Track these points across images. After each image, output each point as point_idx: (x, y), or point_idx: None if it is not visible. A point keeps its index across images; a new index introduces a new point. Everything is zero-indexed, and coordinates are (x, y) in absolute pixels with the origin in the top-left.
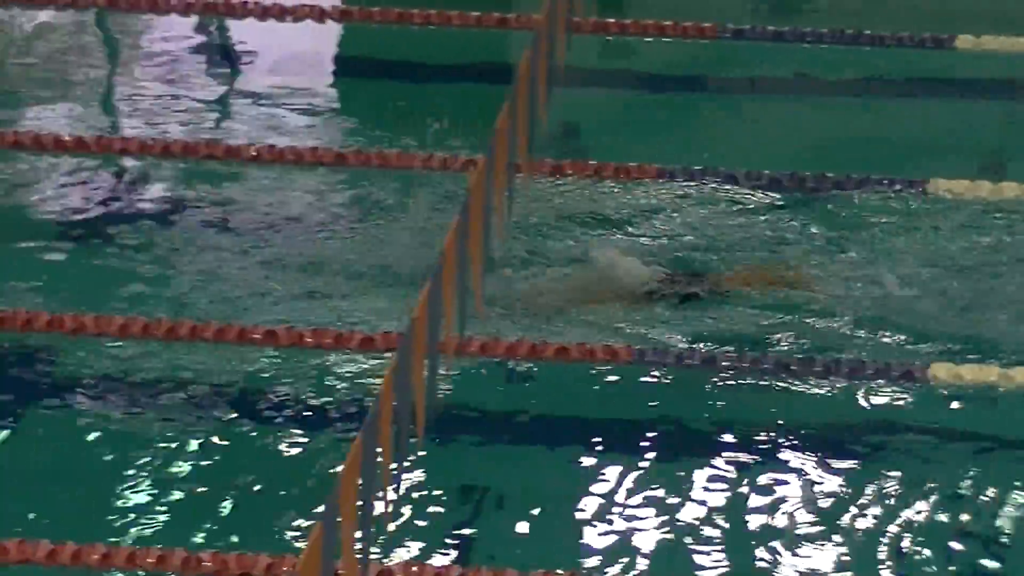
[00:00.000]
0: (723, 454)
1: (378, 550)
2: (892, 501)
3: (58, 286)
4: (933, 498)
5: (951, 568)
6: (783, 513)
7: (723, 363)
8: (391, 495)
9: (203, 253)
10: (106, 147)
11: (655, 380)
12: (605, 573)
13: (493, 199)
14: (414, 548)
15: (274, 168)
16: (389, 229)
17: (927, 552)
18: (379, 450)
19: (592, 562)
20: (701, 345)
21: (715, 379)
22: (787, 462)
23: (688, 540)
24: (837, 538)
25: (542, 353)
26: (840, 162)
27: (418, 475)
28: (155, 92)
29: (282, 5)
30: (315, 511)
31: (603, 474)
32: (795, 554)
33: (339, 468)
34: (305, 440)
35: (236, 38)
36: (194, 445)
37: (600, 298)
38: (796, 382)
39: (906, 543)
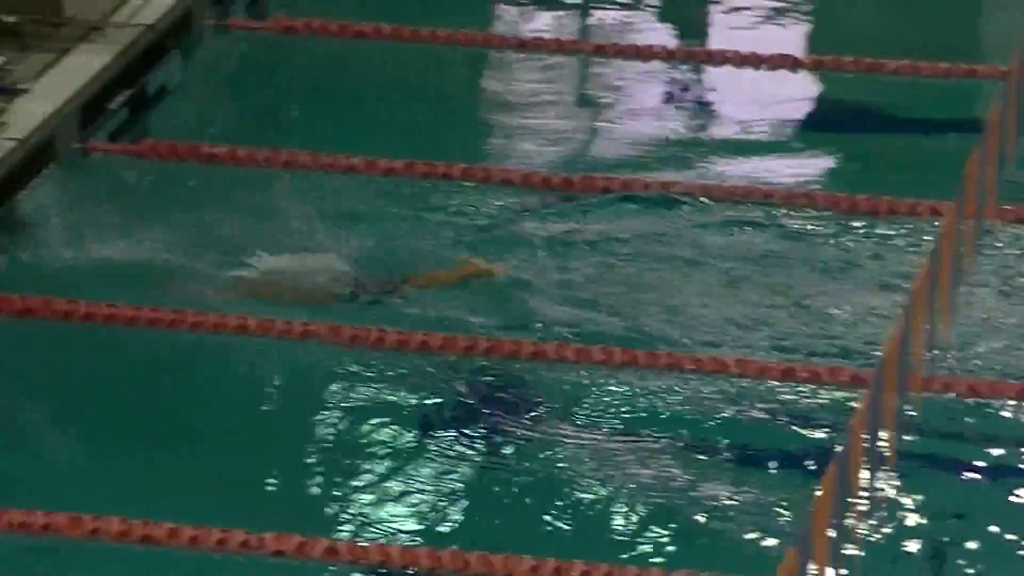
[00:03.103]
0: None
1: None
2: None
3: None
4: None
5: None
6: None
7: None
8: (862, 523)
9: (676, 287)
10: (589, 186)
11: None
12: None
13: (962, 244)
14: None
15: (747, 206)
16: (856, 270)
17: None
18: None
19: None
20: None
21: None
22: None
23: None
24: None
25: (1002, 391)
26: None
27: (888, 502)
28: (632, 134)
29: (758, 54)
30: (779, 543)
31: None
32: None
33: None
34: (774, 469)
35: (712, 85)
36: (659, 470)
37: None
38: None
39: None
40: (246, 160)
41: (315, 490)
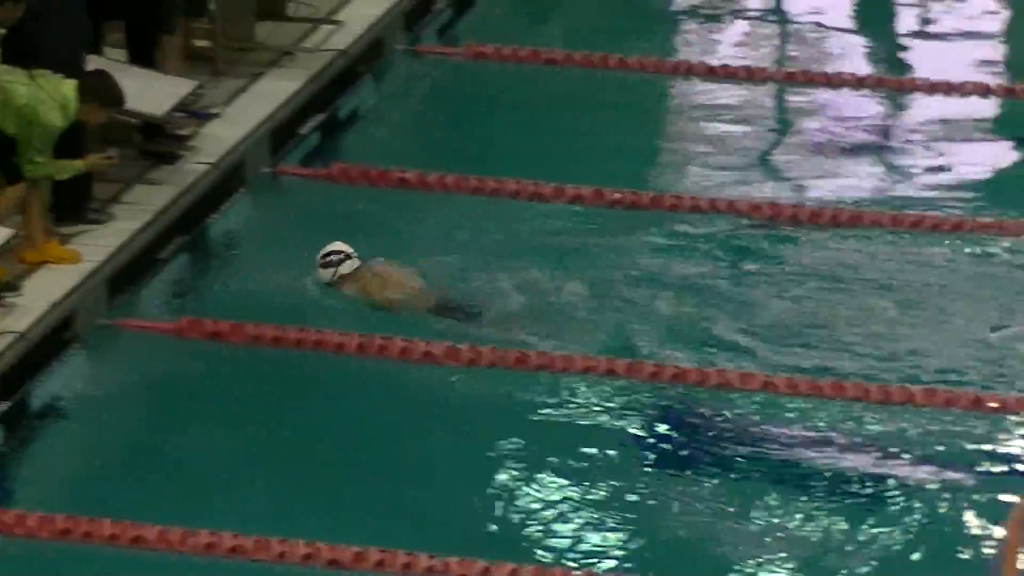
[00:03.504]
0: None
1: None
2: None
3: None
4: None
5: None
6: None
7: None
8: None
9: (865, 317)
10: (776, 214)
11: None
12: None
13: None
14: None
15: (940, 235)
16: None
17: None
18: None
19: None
20: None
21: None
22: None
23: None
24: None
25: None
26: None
27: None
28: (821, 162)
29: (949, 82)
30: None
31: None
32: None
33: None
34: (961, 498)
35: (901, 112)
36: (853, 500)
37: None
38: None
39: None
40: (435, 185)
41: (501, 515)
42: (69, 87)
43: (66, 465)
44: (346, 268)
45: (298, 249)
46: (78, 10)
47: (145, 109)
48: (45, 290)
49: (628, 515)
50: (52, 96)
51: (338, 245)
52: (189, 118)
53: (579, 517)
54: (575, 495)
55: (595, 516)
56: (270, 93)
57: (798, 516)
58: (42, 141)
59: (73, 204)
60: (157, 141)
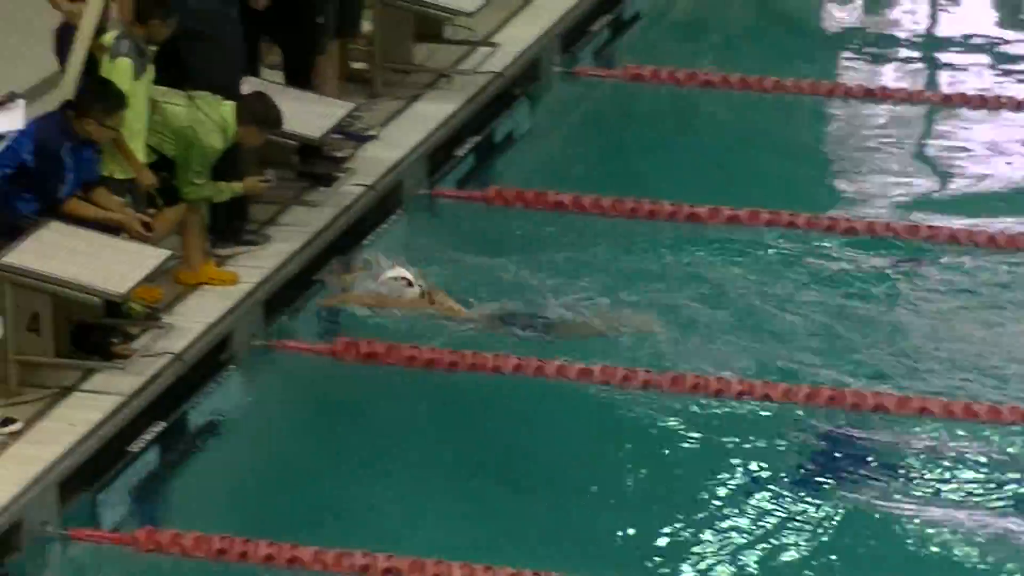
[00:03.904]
0: None
1: None
2: None
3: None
4: None
5: None
6: None
7: None
8: None
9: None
10: (933, 235)
11: None
12: None
13: None
14: None
15: None
16: None
17: None
18: None
19: None
20: None
21: None
22: None
23: None
24: None
25: None
26: None
27: None
28: (976, 183)
29: None
30: None
31: None
32: None
33: None
34: None
35: None
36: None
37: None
38: None
39: None
40: (591, 208)
41: (640, 536)
42: (228, 109)
43: (222, 485)
44: (409, 294)
45: (455, 271)
46: (233, 31)
47: (303, 131)
48: (202, 311)
49: (790, 541)
50: (211, 118)
51: (399, 271)
52: (346, 140)
53: (735, 541)
54: (730, 520)
55: (752, 541)
56: (427, 115)
57: (953, 549)
58: (201, 163)
59: (230, 226)
60: (314, 163)
